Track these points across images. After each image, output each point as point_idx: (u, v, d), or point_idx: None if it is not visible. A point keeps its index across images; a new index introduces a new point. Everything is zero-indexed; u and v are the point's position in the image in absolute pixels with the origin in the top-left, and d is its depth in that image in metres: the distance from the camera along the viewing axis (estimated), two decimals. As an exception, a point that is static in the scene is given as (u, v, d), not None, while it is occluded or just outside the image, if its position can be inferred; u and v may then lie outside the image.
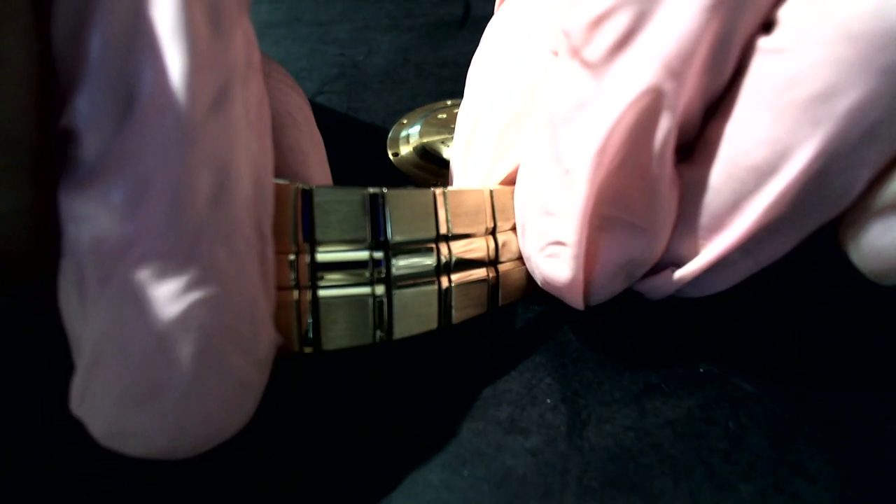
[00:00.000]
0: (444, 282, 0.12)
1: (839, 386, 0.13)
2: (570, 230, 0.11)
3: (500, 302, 0.13)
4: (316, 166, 0.12)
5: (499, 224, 0.13)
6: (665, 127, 0.10)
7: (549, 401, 0.13)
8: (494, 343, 0.14)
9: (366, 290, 0.11)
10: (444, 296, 0.12)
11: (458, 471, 0.11)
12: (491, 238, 0.13)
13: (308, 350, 0.11)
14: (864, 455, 0.12)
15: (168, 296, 0.08)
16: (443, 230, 0.12)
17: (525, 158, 0.12)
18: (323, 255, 0.11)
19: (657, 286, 0.12)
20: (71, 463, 0.11)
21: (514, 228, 0.13)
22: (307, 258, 0.11)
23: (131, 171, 0.08)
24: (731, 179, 0.10)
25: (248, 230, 0.09)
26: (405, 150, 0.20)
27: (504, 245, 0.13)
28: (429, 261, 0.12)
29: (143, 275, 0.08)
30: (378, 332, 0.11)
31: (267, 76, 0.12)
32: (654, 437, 0.12)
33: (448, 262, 0.12)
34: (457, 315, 0.12)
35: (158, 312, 0.08)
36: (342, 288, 0.11)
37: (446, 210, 0.12)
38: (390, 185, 0.12)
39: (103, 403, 0.08)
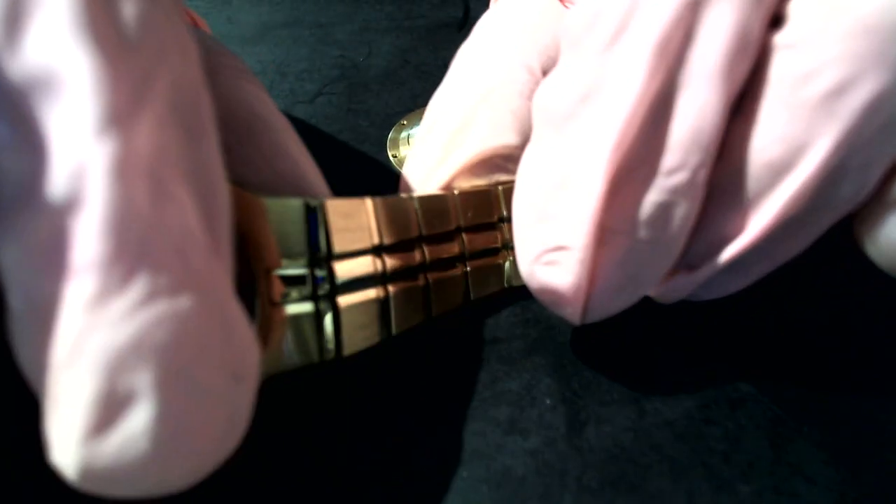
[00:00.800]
0: (423, 280, 0.13)
1: (838, 387, 0.13)
2: (578, 232, 0.10)
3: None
4: (307, 165, 0.12)
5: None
6: (684, 117, 0.10)
7: (548, 401, 0.13)
8: (493, 343, 0.14)
9: (374, 292, 0.11)
10: (426, 293, 0.13)
11: (457, 471, 0.11)
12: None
13: (328, 357, 0.11)
14: (863, 455, 0.12)
15: (116, 318, 0.07)
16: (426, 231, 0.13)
17: (521, 166, 0.12)
18: (341, 267, 0.11)
19: (670, 290, 0.12)
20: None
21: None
22: (318, 272, 0.11)
23: (53, 190, 0.07)
24: (747, 178, 0.10)
25: (198, 232, 0.08)
26: (405, 150, 0.20)
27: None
28: (414, 261, 0.12)
29: (85, 303, 0.07)
30: (384, 331, 0.12)
31: (216, 72, 0.12)
32: (653, 438, 0.12)
33: (425, 263, 0.13)
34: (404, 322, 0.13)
35: (108, 339, 0.07)
36: (357, 292, 0.11)
37: (419, 215, 0.13)
38: (390, 186, 0.12)
39: (68, 444, 0.07)
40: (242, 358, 0.09)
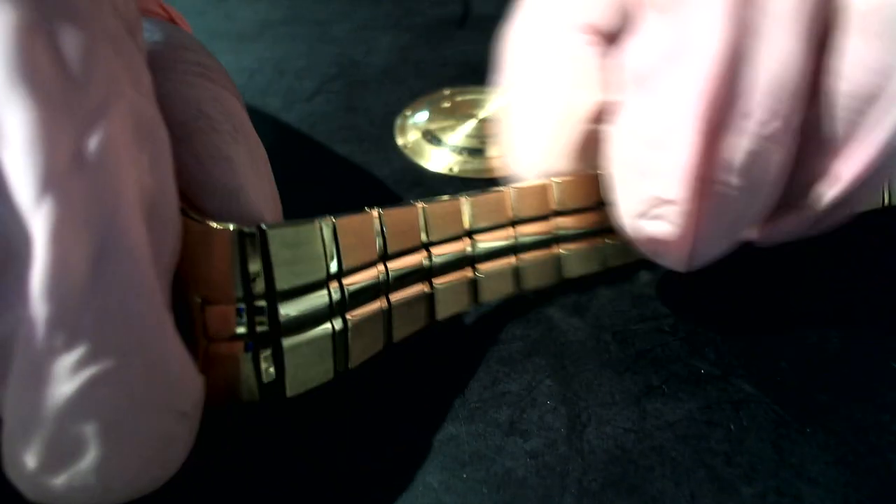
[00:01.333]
0: (385, 303, 0.12)
1: (841, 388, 0.13)
2: (678, 185, 0.11)
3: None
4: (247, 174, 0.11)
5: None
6: (768, 66, 0.10)
7: (548, 402, 0.12)
8: (493, 344, 0.14)
9: (326, 326, 0.11)
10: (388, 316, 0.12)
11: (457, 473, 0.11)
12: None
13: (269, 395, 0.10)
14: (866, 457, 0.11)
15: (61, 375, 0.07)
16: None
17: (614, 127, 0.12)
18: (284, 303, 0.10)
19: (776, 233, 0.12)
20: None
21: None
22: (257, 304, 0.10)
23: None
24: (841, 111, 0.10)
25: (148, 282, 0.08)
26: (413, 136, 0.20)
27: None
28: (374, 279, 0.12)
29: (33, 357, 0.07)
30: (337, 365, 0.11)
31: (170, 69, 0.11)
32: (654, 439, 0.12)
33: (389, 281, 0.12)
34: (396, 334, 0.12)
35: (54, 394, 0.07)
36: (302, 332, 0.11)
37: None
38: (391, 184, 0.11)
39: (23, 471, 0.08)
40: (187, 399, 0.09)
